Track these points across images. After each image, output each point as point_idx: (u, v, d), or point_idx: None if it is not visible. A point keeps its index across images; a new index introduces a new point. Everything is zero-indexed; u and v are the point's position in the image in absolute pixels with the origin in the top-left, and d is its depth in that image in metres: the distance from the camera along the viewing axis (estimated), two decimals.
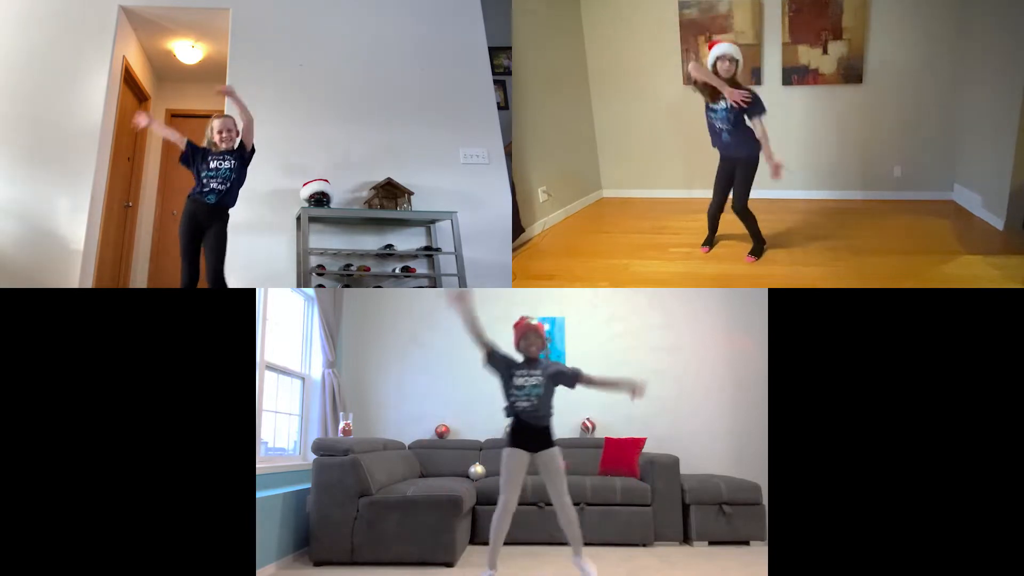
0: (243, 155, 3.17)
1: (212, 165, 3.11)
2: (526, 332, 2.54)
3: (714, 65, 3.19)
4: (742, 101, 3.10)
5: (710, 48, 3.28)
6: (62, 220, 3.75)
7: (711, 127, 3.28)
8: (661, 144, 4.74)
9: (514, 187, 4.02)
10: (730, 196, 3.38)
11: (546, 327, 4.60)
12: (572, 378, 2.55)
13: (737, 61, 3.16)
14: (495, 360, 2.54)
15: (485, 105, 4.43)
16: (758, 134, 3.16)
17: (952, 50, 4.11)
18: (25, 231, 3.70)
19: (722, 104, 3.19)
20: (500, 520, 2.49)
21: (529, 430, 2.48)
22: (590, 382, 2.56)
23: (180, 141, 3.19)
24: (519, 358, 2.57)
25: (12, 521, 1.70)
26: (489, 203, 4.19)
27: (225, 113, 3.22)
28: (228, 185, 3.12)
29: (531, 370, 2.51)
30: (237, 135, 3.17)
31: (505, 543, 3.50)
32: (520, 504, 3.57)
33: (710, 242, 3.59)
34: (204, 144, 3.19)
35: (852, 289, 1.92)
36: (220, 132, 3.14)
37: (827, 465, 1.77)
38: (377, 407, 4.52)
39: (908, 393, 1.78)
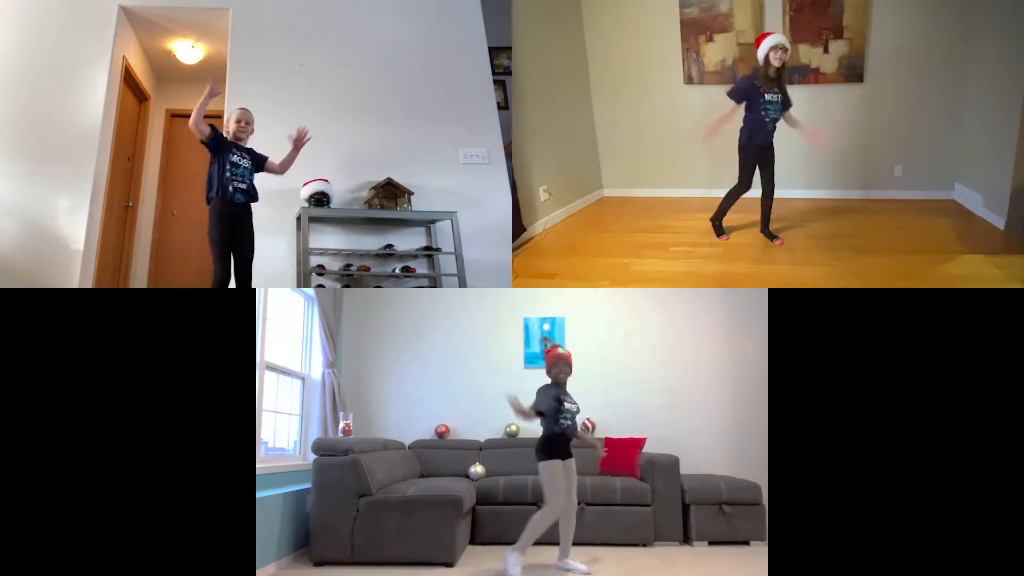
0: (258, 161, 3.25)
1: (234, 160, 3.14)
2: (557, 360, 2.92)
3: (766, 56, 3.35)
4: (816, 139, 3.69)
5: (758, 43, 3.43)
6: (62, 220, 3.75)
7: (758, 121, 3.45)
8: (662, 143, 4.74)
9: (515, 186, 4.02)
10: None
11: (547, 327, 4.63)
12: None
13: (787, 50, 3.36)
14: (543, 410, 2.86)
15: (485, 105, 4.43)
16: (790, 121, 3.52)
17: (953, 49, 4.11)
18: (25, 231, 3.70)
19: (774, 96, 3.40)
20: (545, 523, 2.81)
21: (566, 443, 2.88)
22: (583, 432, 3.14)
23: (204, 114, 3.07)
24: (556, 386, 2.92)
25: (13, 521, 1.70)
26: (489, 203, 4.18)
27: (246, 108, 3.29)
28: (248, 184, 3.19)
29: (569, 395, 2.92)
30: (253, 131, 3.24)
31: (505, 543, 3.52)
32: (521, 504, 3.61)
33: (721, 228, 3.72)
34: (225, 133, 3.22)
35: (852, 289, 1.92)
36: (239, 122, 3.19)
37: (827, 465, 1.77)
38: (377, 407, 4.52)
39: (908, 393, 1.77)
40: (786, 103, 3.44)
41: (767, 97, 3.40)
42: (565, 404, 2.85)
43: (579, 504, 3.60)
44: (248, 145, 3.27)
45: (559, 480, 2.79)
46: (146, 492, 1.74)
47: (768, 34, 3.44)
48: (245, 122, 3.20)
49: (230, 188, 3.09)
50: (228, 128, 3.23)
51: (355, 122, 4.24)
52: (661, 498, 3.69)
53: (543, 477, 2.82)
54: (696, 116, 4.59)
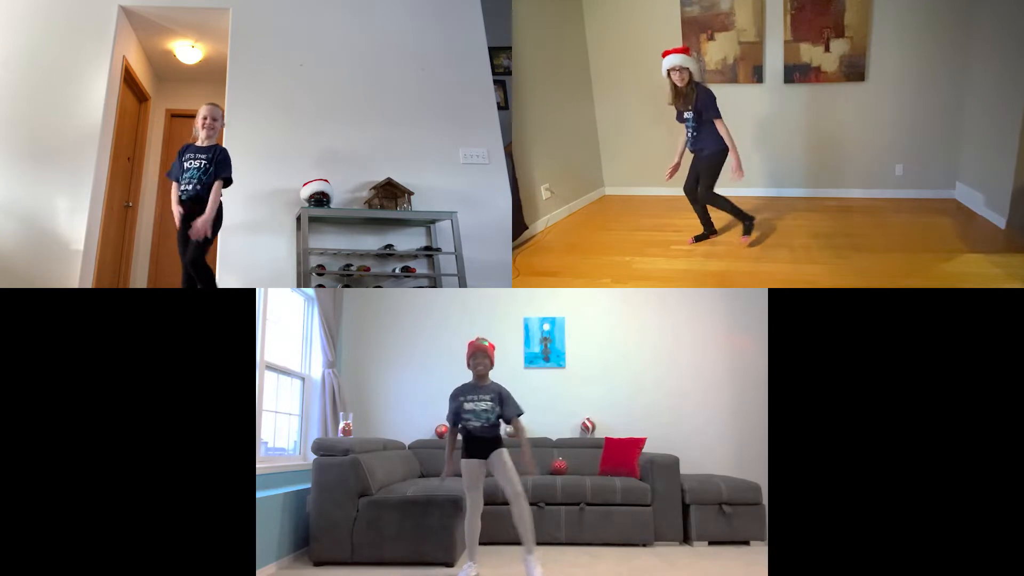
0: (216, 159, 3.10)
1: (186, 166, 3.10)
2: (475, 352, 2.79)
3: (668, 75, 3.39)
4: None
5: (663, 57, 3.44)
6: (62, 220, 3.75)
7: (687, 132, 3.54)
8: (663, 141, 4.73)
9: (517, 184, 4.02)
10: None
11: (547, 327, 4.62)
12: (510, 418, 2.80)
13: (688, 70, 3.38)
14: (448, 421, 2.84)
15: (485, 105, 4.43)
16: (724, 135, 3.42)
17: (955, 48, 4.10)
18: (25, 231, 3.70)
19: (690, 115, 3.46)
20: (471, 520, 2.78)
21: (482, 441, 2.76)
22: (519, 431, 2.85)
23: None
24: (469, 385, 2.82)
25: (12, 521, 1.70)
26: (489, 203, 4.18)
27: (213, 103, 3.21)
28: (195, 184, 3.07)
29: (480, 394, 2.77)
30: (222, 126, 3.17)
31: (500, 542, 3.53)
32: None
33: (705, 234, 3.73)
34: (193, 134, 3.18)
35: (852, 289, 1.92)
36: (204, 118, 3.12)
37: (827, 465, 1.76)
38: (377, 407, 4.52)
39: (908, 393, 1.77)
40: (705, 112, 3.39)
41: (684, 115, 3.48)
42: (466, 405, 2.74)
43: (579, 504, 3.61)
44: (214, 143, 3.14)
45: (466, 479, 2.76)
46: (146, 492, 1.74)
47: (668, 52, 3.44)
48: (212, 118, 3.12)
49: (179, 191, 3.09)
50: (195, 125, 3.16)
51: (355, 122, 4.23)
52: (661, 498, 3.68)
53: None
54: None
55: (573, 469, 4.07)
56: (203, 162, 3.08)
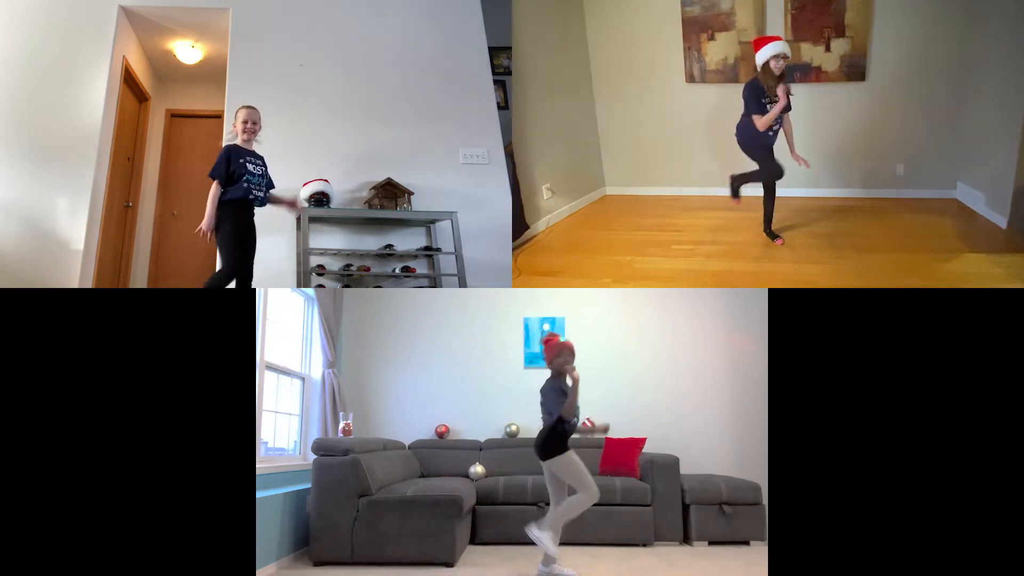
0: (268, 178, 3.28)
1: (250, 169, 3.13)
2: (563, 349, 2.73)
3: (766, 64, 3.31)
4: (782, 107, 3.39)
5: (756, 47, 3.36)
6: (62, 220, 3.75)
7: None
8: (664, 141, 4.73)
9: (517, 184, 4.02)
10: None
11: (547, 327, 4.62)
12: None
13: (788, 56, 3.32)
14: (568, 414, 2.72)
15: (485, 105, 4.43)
16: (787, 129, 3.43)
17: (956, 47, 4.09)
18: (25, 231, 3.70)
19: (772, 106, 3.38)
20: (581, 508, 2.69)
21: (568, 437, 2.74)
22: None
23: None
24: (558, 380, 2.75)
25: (12, 521, 1.70)
26: (489, 203, 4.18)
27: (250, 106, 3.23)
28: (263, 191, 3.23)
29: (568, 386, 2.72)
30: (260, 128, 3.22)
31: (505, 543, 3.52)
32: (520, 504, 3.61)
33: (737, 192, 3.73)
34: (227, 136, 3.22)
35: (852, 289, 1.91)
36: (246, 122, 3.14)
37: (827, 465, 1.76)
38: (377, 407, 4.51)
39: (909, 393, 1.77)
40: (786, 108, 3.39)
41: (768, 108, 3.36)
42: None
43: None
44: (255, 147, 3.22)
45: (581, 465, 2.70)
46: (146, 492, 1.74)
47: (766, 39, 3.37)
48: (252, 122, 3.16)
49: (249, 196, 3.12)
50: (235, 130, 3.18)
51: (355, 122, 4.23)
52: (661, 498, 3.68)
53: (563, 471, 2.69)
54: (698, 115, 4.59)
55: None
56: (263, 169, 3.22)
